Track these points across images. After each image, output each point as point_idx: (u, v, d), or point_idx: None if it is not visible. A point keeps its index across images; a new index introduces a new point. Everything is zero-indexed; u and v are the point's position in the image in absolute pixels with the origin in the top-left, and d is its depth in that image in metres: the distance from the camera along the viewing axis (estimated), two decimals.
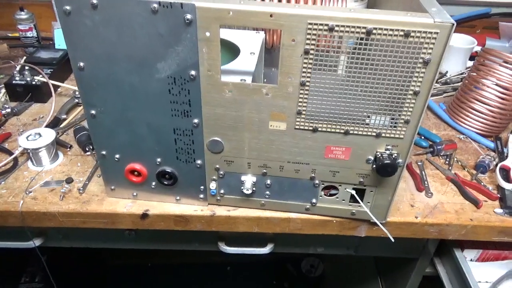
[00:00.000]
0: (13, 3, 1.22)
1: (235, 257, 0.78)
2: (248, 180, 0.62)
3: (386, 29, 0.45)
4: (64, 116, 0.87)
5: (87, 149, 0.76)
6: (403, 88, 0.50)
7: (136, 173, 0.63)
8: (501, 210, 0.68)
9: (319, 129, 0.55)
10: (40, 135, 0.72)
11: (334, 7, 0.68)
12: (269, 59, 0.76)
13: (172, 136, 0.58)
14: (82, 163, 0.74)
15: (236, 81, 0.54)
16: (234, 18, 0.47)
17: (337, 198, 0.63)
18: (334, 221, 0.66)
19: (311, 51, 0.48)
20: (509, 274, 0.74)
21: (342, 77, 0.50)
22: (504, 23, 1.18)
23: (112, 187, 0.66)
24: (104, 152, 0.61)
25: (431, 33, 0.45)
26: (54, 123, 0.84)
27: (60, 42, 1.10)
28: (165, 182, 0.64)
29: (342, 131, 0.55)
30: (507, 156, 0.78)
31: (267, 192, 0.64)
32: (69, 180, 0.70)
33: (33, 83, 0.90)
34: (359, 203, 0.62)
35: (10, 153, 0.74)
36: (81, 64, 0.52)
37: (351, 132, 0.55)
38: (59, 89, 0.97)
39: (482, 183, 0.74)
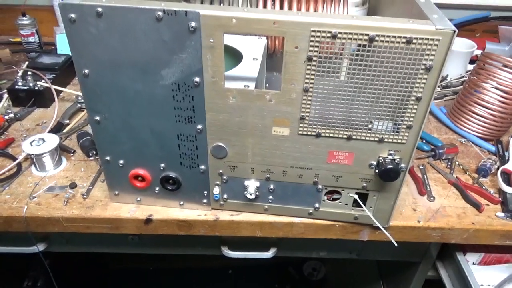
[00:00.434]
0: (15, 8, 1.23)
1: (237, 261, 0.78)
2: (252, 185, 0.62)
3: (389, 36, 0.46)
4: (67, 121, 0.87)
5: (90, 154, 0.77)
6: (406, 94, 0.50)
7: (140, 178, 0.64)
8: (502, 214, 0.68)
9: (322, 134, 0.55)
10: (43, 140, 0.72)
11: (337, 14, 0.68)
12: (271, 64, 0.76)
13: (176, 142, 0.59)
14: (86, 168, 0.75)
15: (240, 87, 0.54)
16: (238, 26, 0.47)
17: (340, 202, 0.63)
18: (337, 226, 0.66)
19: (314, 58, 0.48)
20: (511, 278, 0.74)
21: (345, 83, 0.51)
22: (504, 27, 1.18)
23: (116, 192, 0.66)
24: (108, 158, 0.62)
25: (433, 40, 0.45)
26: (57, 128, 0.84)
27: (62, 47, 1.11)
28: (168, 187, 0.64)
29: (345, 136, 0.55)
30: (508, 160, 0.79)
31: (270, 197, 0.64)
32: (73, 185, 0.70)
33: (36, 88, 0.91)
34: (362, 207, 0.62)
35: (14, 159, 0.75)
36: (86, 71, 0.53)
37: (354, 137, 0.55)
38: (61, 94, 0.97)
39: (483, 187, 0.74)
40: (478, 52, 1.07)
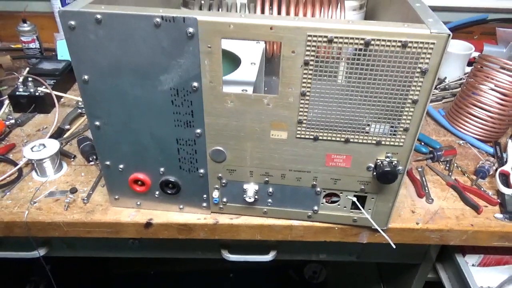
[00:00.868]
0: (16, 15, 1.24)
1: (238, 264, 0.78)
2: (250, 189, 0.63)
3: (384, 40, 0.46)
4: (67, 127, 0.88)
5: (90, 159, 0.77)
6: (402, 97, 0.51)
7: (139, 182, 0.64)
8: (501, 215, 0.69)
9: (320, 137, 0.56)
10: (44, 145, 0.73)
11: (333, 19, 0.69)
12: (269, 68, 0.77)
13: (175, 146, 0.59)
14: (86, 173, 0.75)
15: (238, 91, 0.55)
16: (235, 31, 0.48)
17: (339, 205, 0.64)
18: (336, 228, 0.67)
19: (311, 62, 0.49)
20: (511, 279, 0.74)
21: (342, 87, 0.51)
22: (501, 29, 1.19)
23: (116, 197, 0.67)
24: (108, 163, 0.62)
25: (428, 43, 0.46)
26: (57, 134, 0.85)
27: (62, 53, 1.12)
28: (168, 191, 0.65)
29: (342, 139, 0.56)
30: (506, 161, 0.79)
31: (269, 200, 0.65)
32: (73, 190, 0.71)
33: (37, 94, 0.91)
34: (360, 210, 0.63)
35: (15, 164, 0.75)
36: (86, 77, 0.53)
37: (351, 140, 0.55)
38: (62, 100, 0.98)
39: (482, 189, 0.74)
40: (476, 54, 1.07)
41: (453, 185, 0.75)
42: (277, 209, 0.66)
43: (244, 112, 0.55)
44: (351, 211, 0.64)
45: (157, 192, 0.65)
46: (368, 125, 0.54)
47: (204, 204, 0.66)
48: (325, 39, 0.47)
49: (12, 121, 0.88)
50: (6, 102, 0.93)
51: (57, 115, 0.88)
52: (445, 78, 1.08)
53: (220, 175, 0.62)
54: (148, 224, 0.66)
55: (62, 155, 0.78)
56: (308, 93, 0.52)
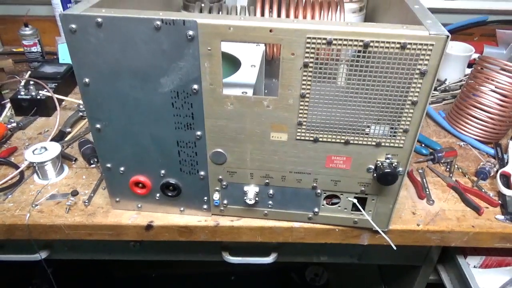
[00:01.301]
0: (18, 19, 1.25)
1: (239, 267, 0.78)
2: (251, 191, 0.63)
3: (383, 42, 0.47)
4: (68, 130, 0.88)
5: (91, 161, 0.78)
6: (401, 98, 0.51)
7: (140, 185, 0.64)
8: (502, 217, 0.68)
9: (320, 139, 0.56)
10: (45, 148, 0.73)
11: (332, 21, 0.69)
12: (269, 71, 0.77)
13: (175, 148, 0.60)
14: (87, 176, 0.76)
15: (238, 94, 0.55)
16: (235, 34, 0.48)
17: (339, 207, 0.64)
18: (337, 230, 0.67)
19: (310, 64, 0.49)
20: None
21: (342, 88, 0.51)
22: (501, 31, 1.19)
23: (117, 199, 0.67)
24: (109, 165, 0.62)
25: (426, 45, 0.46)
26: (59, 137, 0.85)
27: (64, 56, 1.12)
28: (169, 194, 0.65)
29: (342, 141, 0.56)
30: (507, 163, 0.79)
31: (270, 202, 0.65)
32: (75, 193, 0.71)
33: (38, 97, 0.92)
34: (361, 211, 0.63)
35: (17, 167, 0.76)
36: (87, 80, 0.54)
37: (351, 141, 0.56)
38: (63, 103, 0.98)
39: (483, 190, 0.74)
40: (476, 56, 1.07)
41: (454, 186, 0.75)
42: (278, 211, 0.66)
43: (244, 114, 0.55)
44: (352, 212, 0.64)
45: (157, 195, 0.65)
46: (368, 126, 0.54)
47: (205, 206, 0.66)
48: (324, 41, 0.47)
49: (14, 124, 0.88)
50: (8, 105, 0.93)
51: (58, 118, 0.89)
52: (445, 79, 1.08)
53: (220, 177, 0.62)
54: (149, 227, 0.66)
55: (64, 158, 0.78)
56: (307, 95, 0.52)
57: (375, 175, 0.58)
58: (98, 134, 0.59)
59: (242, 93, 0.57)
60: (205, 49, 0.49)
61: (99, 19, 0.48)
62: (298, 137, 0.56)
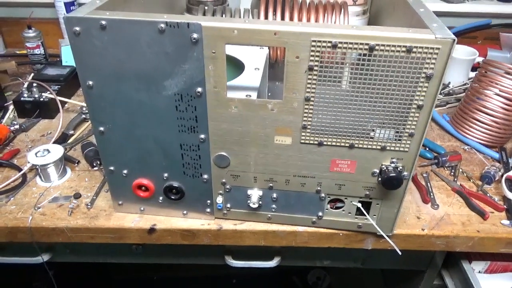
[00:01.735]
0: (21, 21, 1.25)
1: (241, 270, 0.78)
2: (255, 194, 0.63)
3: (389, 45, 0.46)
4: (71, 132, 0.88)
5: (94, 164, 0.77)
6: (407, 102, 0.50)
7: (143, 188, 0.64)
8: (508, 222, 0.68)
9: (324, 143, 0.55)
10: (48, 151, 0.73)
11: (337, 24, 0.69)
12: (272, 73, 0.77)
13: (179, 152, 0.59)
14: (90, 178, 0.75)
15: (242, 97, 0.54)
16: (239, 37, 0.48)
17: (343, 211, 0.63)
18: (341, 234, 0.66)
19: (315, 67, 0.49)
20: None
21: (346, 92, 0.51)
22: (505, 34, 1.19)
23: (120, 202, 0.67)
24: (112, 168, 0.62)
25: (432, 48, 0.46)
26: (62, 139, 0.85)
27: (67, 58, 1.12)
28: (172, 197, 0.64)
29: (347, 144, 0.55)
30: None
31: (274, 206, 0.64)
32: (77, 196, 0.71)
33: (41, 99, 0.92)
34: (365, 216, 0.62)
35: (19, 169, 0.75)
36: (90, 82, 0.53)
37: (356, 145, 0.55)
38: (66, 105, 0.98)
39: (488, 194, 0.74)
40: (480, 59, 1.07)
41: (458, 190, 0.74)
42: (281, 215, 0.65)
43: (248, 118, 0.55)
44: (356, 217, 0.64)
45: (160, 198, 0.65)
46: (373, 130, 0.54)
47: (208, 210, 0.66)
48: (329, 45, 0.47)
49: (17, 126, 0.88)
50: (11, 107, 0.93)
51: (61, 120, 0.89)
52: (449, 83, 1.08)
53: (224, 180, 0.62)
54: (152, 230, 0.66)
55: (66, 161, 0.78)
56: (312, 98, 0.51)
57: (380, 179, 0.58)
58: (101, 137, 0.59)
59: (246, 96, 0.56)
60: (210, 52, 0.49)
61: (103, 22, 0.48)
62: (302, 141, 0.56)
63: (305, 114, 0.53)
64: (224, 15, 0.73)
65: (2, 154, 0.80)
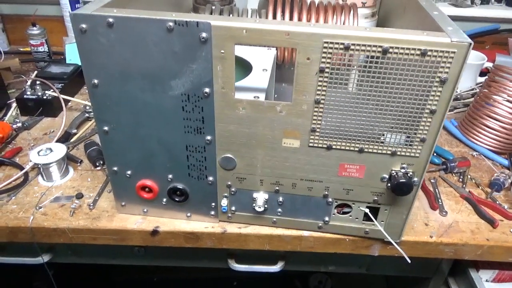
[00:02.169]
0: (26, 18, 1.24)
1: (242, 272, 0.77)
2: (260, 197, 0.61)
3: (403, 48, 0.45)
4: (74, 131, 0.87)
5: (97, 164, 0.76)
6: (419, 106, 0.49)
7: (147, 189, 0.63)
8: None
9: (334, 147, 0.54)
10: (51, 150, 0.72)
11: (349, 26, 0.68)
12: (279, 75, 0.76)
13: (184, 153, 0.58)
14: (93, 178, 0.74)
15: (250, 98, 0.53)
16: (249, 37, 0.47)
17: (351, 216, 0.62)
18: (347, 240, 0.65)
19: (326, 70, 0.48)
20: None
21: (357, 95, 0.50)
22: None
23: (123, 203, 0.65)
24: (115, 168, 0.61)
25: (448, 52, 0.45)
26: (64, 138, 0.84)
27: (71, 56, 1.11)
28: (176, 199, 0.63)
29: (356, 149, 0.54)
30: None
31: (279, 210, 0.63)
32: (79, 196, 0.70)
33: (44, 97, 0.91)
34: (373, 221, 0.61)
35: (21, 168, 0.74)
36: (95, 81, 0.52)
37: (366, 150, 0.54)
38: (69, 104, 0.97)
39: (497, 202, 0.72)
40: (488, 64, 1.06)
41: (467, 197, 0.73)
42: (287, 219, 0.64)
43: (256, 119, 0.53)
44: (363, 222, 0.63)
45: (164, 199, 0.64)
46: (383, 135, 0.53)
47: (212, 213, 0.65)
48: (341, 46, 0.46)
49: (19, 124, 0.87)
50: (14, 105, 0.92)
51: (64, 119, 0.88)
52: (457, 88, 1.07)
53: (229, 183, 0.61)
54: (155, 232, 0.65)
55: (69, 160, 0.77)
56: (322, 101, 0.50)
57: (389, 185, 0.56)
58: (106, 137, 0.58)
59: (254, 97, 0.55)
60: (218, 52, 0.48)
61: (111, 19, 0.47)
62: (311, 144, 0.54)
63: (315, 117, 0.52)
64: (231, 15, 0.72)
65: (4, 152, 0.79)
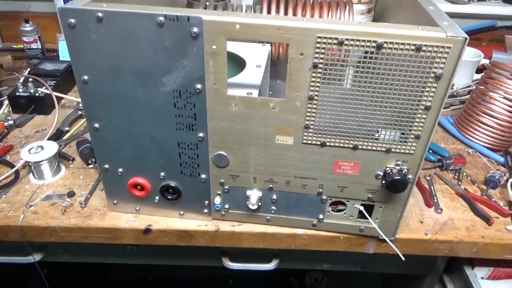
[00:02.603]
0: (18, 15, 1.23)
1: (238, 271, 0.76)
2: (254, 195, 0.61)
3: (397, 43, 0.44)
4: (67, 128, 0.86)
5: (89, 162, 0.75)
6: (414, 103, 0.48)
7: (139, 187, 0.62)
8: None
9: (327, 143, 0.54)
10: (42, 147, 0.71)
11: (343, 20, 0.67)
12: (274, 71, 0.75)
13: (176, 150, 0.57)
14: (85, 176, 0.73)
15: (243, 94, 0.53)
16: (242, 32, 0.46)
17: (345, 214, 0.62)
18: (342, 237, 0.64)
19: (320, 65, 0.47)
20: None
21: (351, 91, 0.49)
22: (511, 36, 1.17)
23: (115, 202, 0.65)
24: (107, 166, 0.60)
25: (443, 47, 0.44)
26: (56, 136, 0.83)
27: (64, 54, 1.10)
28: (168, 197, 0.62)
29: (350, 146, 0.53)
30: None
31: (273, 207, 0.62)
32: (71, 194, 0.69)
33: (37, 95, 0.90)
34: (367, 219, 0.60)
35: (12, 166, 0.73)
36: (85, 77, 0.51)
37: (360, 147, 0.53)
38: (62, 101, 0.96)
39: (492, 199, 0.72)
40: (485, 61, 1.05)
41: (462, 194, 0.72)
42: (281, 217, 0.63)
43: (249, 116, 0.53)
44: (358, 220, 0.62)
45: (157, 197, 0.63)
46: (378, 131, 0.52)
47: (205, 211, 0.64)
48: (335, 41, 0.45)
49: (11, 122, 0.86)
50: (6, 102, 0.91)
51: (56, 116, 0.86)
52: (453, 85, 1.06)
53: (222, 180, 0.60)
54: (147, 230, 0.64)
55: (61, 158, 0.76)
56: (316, 97, 0.50)
57: (383, 182, 0.56)
58: (96, 134, 0.57)
59: (247, 94, 0.54)
60: (210, 47, 0.47)
61: (100, 14, 0.46)
62: (304, 141, 0.54)
63: (308, 114, 0.51)
64: (225, 10, 0.71)
65: None
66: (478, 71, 1.06)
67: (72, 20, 0.47)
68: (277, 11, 0.68)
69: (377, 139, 0.53)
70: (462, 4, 1.24)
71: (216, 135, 0.55)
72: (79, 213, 0.65)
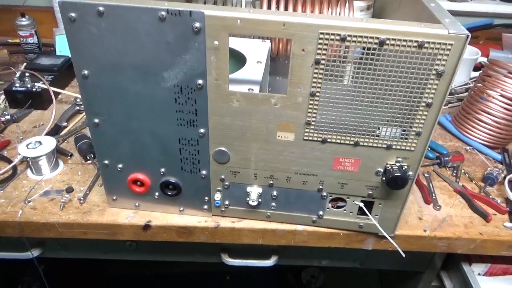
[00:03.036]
0: (14, 9, 1.21)
1: (235, 267, 0.76)
2: (254, 191, 0.61)
3: (400, 40, 0.44)
4: (64, 124, 0.85)
5: (88, 157, 0.75)
6: (415, 99, 0.49)
7: (139, 183, 0.62)
8: (510, 224, 0.67)
9: (328, 140, 0.54)
10: (40, 143, 0.70)
11: (346, 17, 0.67)
12: (273, 68, 0.75)
13: (177, 146, 0.57)
14: (83, 172, 0.73)
15: (244, 90, 0.52)
16: (244, 27, 0.46)
17: (345, 210, 0.62)
18: (341, 234, 0.65)
19: (322, 61, 0.47)
20: None
21: (353, 87, 0.49)
22: (508, 34, 1.18)
23: (114, 197, 0.64)
24: (106, 162, 0.60)
25: (445, 44, 0.44)
26: (54, 131, 0.82)
27: (61, 48, 1.09)
28: (168, 193, 0.62)
29: (351, 142, 0.53)
30: None
31: (273, 204, 0.62)
32: (70, 190, 0.68)
33: (34, 89, 0.89)
34: (367, 215, 0.61)
35: (9, 161, 0.73)
36: (85, 72, 0.51)
37: (361, 143, 0.53)
38: (59, 96, 0.96)
39: (490, 196, 0.72)
40: (482, 59, 1.06)
41: (460, 191, 0.73)
42: (281, 213, 0.63)
43: (250, 112, 0.52)
44: (358, 216, 0.62)
45: (156, 193, 0.63)
46: (379, 128, 0.52)
47: (205, 207, 0.64)
48: (337, 38, 0.45)
49: (8, 117, 0.85)
50: (2, 97, 0.90)
51: (54, 111, 0.86)
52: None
53: (222, 177, 0.60)
54: (147, 226, 0.64)
55: (59, 153, 0.75)
56: (318, 94, 0.50)
57: (384, 178, 0.56)
58: (96, 129, 0.56)
59: (248, 90, 0.54)
60: (212, 42, 0.47)
61: (101, 8, 0.46)
62: (305, 137, 0.54)
63: (310, 110, 0.51)
64: (225, 5, 0.71)
65: None
66: (476, 69, 1.07)
67: (73, 14, 0.46)
68: (277, 6, 0.68)
69: (378, 135, 0.53)
70: (459, 1, 1.24)
71: (217, 131, 0.55)
72: (78, 209, 0.65)
